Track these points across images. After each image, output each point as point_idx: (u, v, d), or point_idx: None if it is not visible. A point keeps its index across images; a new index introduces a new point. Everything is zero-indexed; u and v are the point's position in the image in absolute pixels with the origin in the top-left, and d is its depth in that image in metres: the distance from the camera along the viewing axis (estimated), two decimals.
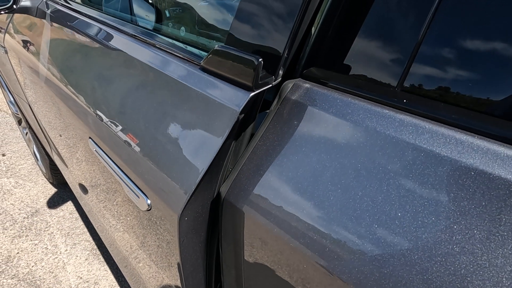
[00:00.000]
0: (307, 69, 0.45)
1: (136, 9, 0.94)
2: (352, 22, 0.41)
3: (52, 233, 1.67)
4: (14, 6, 1.08)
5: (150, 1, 0.91)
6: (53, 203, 1.86)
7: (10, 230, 1.65)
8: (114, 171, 0.65)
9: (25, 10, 1.11)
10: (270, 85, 0.45)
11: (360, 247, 0.34)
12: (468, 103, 0.33)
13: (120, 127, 0.62)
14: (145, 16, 0.90)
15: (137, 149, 0.57)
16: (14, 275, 1.44)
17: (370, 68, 0.40)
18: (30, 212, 1.77)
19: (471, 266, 0.28)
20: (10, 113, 2.56)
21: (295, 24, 0.41)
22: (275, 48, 0.44)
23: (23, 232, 1.65)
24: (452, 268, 0.29)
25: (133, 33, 0.69)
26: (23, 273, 1.46)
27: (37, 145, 1.79)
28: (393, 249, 0.32)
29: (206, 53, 0.51)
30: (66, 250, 1.59)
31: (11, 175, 2.01)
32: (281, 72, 0.45)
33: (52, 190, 1.95)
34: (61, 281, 1.45)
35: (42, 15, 1.07)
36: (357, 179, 0.35)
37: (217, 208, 0.51)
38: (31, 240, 1.62)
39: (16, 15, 1.29)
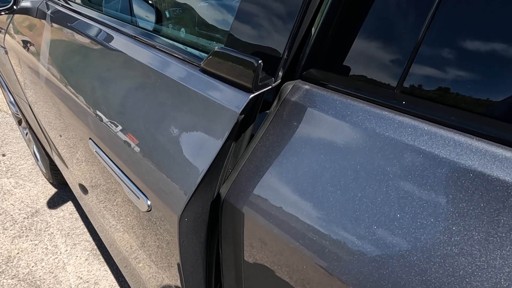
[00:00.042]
0: (307, 71, 0.46)
1: (136, 10, 0.94)
2: (351, 24, 0.41)
3: (52, 233, 1.67)
4: (15, 7, 1.08)
5: (150, 2, 0.92)
6: (53, 203, 1.86)
7: (10, 230, 1.65)
8: (114, 171, 0.65)
9: (25, 11, 1.11)
10: (270, 87, 0.45)
11: (360, 248, 0.34)
12: (468, 105, 0.33)
13: (120, 128, 0.62)
14: (145, 17, 0.90)
15: (137, 150, 0.57)
16: (14, 275, 1.44)
17: (369, 69, 0.40)
18: (30, 212, 1.77)
19: (470, 267, 0.28)
20: (10, 113, 2.56)
21: (294, 25, 0.42)
22: (275, 50, 0.44)
23: (23, 232, 1.65)
24: (451, 269, 0.29)
25: (133, 34, 0.70)
26: (23, 273, 1.46)
27: (37, 146, 1.79)
28: (392, 250, 0.32)
29: (206, 55, 0.51)
30: (66, 250, 1.59)
31: (11, 175, 2.01)
32: (280, 74, 0.45)
33: (52, 190, 1.95)
34: (61, 281, 1.45)
35: (42, 16, 1.08)
36: (356, 180, 0.35)
37: (217, 209, 0.51)
38: (31, 240, 1.62)
39: (17, 16, 1.29)
